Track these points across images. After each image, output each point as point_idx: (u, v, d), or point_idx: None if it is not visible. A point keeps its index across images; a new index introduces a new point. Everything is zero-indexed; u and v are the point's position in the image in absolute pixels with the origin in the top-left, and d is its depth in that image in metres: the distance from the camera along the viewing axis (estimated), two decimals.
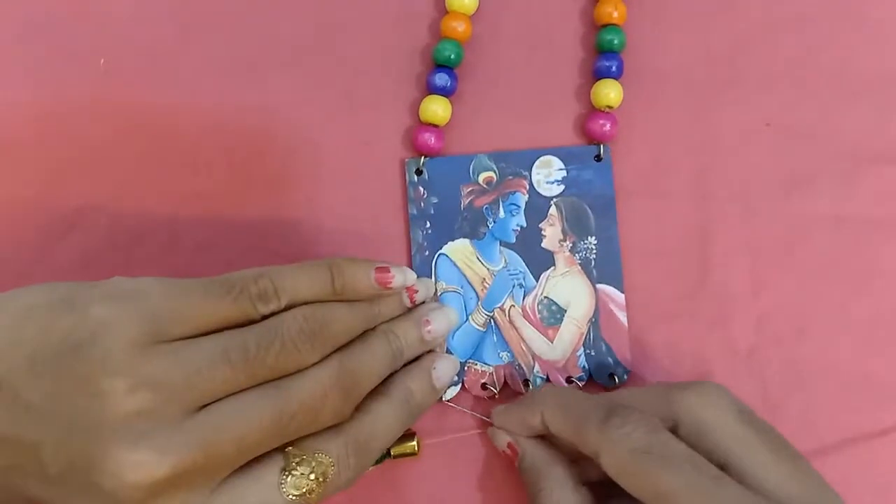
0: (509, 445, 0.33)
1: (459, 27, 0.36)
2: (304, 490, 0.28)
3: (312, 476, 0.28)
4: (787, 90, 0.37)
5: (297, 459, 0.28)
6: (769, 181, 0.36)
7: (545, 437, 0.32)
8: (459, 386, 0.34)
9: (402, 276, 0.32)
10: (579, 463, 0.32)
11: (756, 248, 0.36)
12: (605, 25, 0.36)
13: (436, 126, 0.36)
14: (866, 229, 0.36)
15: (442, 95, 0.36)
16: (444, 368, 0.33)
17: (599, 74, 0.36)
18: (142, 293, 0.27)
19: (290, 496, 0.27)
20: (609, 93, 0.36)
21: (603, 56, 0.36)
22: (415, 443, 0.33)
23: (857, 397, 0.35)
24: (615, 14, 0.36)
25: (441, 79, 0.36)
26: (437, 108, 0.36)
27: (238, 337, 0.27)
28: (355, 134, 0.37)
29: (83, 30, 0.38)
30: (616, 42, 0.36)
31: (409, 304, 0.33)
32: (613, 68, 0.36)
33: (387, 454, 0.33)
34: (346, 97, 0.37)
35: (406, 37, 0.38)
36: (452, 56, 0.36)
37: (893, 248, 0.36)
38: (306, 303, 0.29)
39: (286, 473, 0.28)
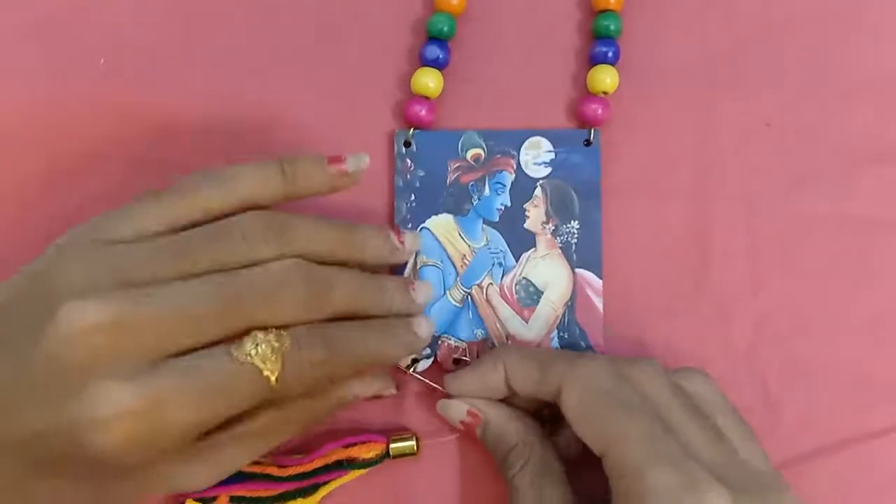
0: (469, 413, 0.32)
1: (453, 0, 0.36)
2: (253, 355, 0.27)
3: (265, 346, 0.27)
4: (787, 90, 0.37)
5: (253, 334, 0.27)
6: (769, 181, 0.36)
7: (503, 401, 0.32)
8: (432, 359, 0.35)
9: (355, 160, 0.32)
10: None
11: (756, 248, 0.36)
12: (602, 11, 0.36)
13: (427, 98, 0.36)
14: (866, 229, 0.36)
15: (434, 68, 0.36)
16: (424, 321, 0.32)
17: (595, 60, 0.36)
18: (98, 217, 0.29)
19: (241, 361, 0.27)
20: (605, 78, 0.36)
21: (599, 42, 0.36)
22: (414, 443, 0.33)
23: (857, 397, 0.35)
24: (612, 0, 0.36)
25: (433, 51, 0.36)
26: (428, 81, 0.36)
27: (189, 233, 0.28)
28: (348, 107, 0.37)
29: (83, 30, 0.38)
30: (612, 28, 0.36)
31: (397, 246, 0.32)
32: (610, 54, 0.36)
33: (386, 454, 0.33)
34: (341, 75, 0.37)
35: (399, 10, 0.37)
36: (445, 28, 0.36)
37: (893, 248, 0.36)
38: (257, 206, 0.30)
39: (238, 344, 0.27)
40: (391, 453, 0.33)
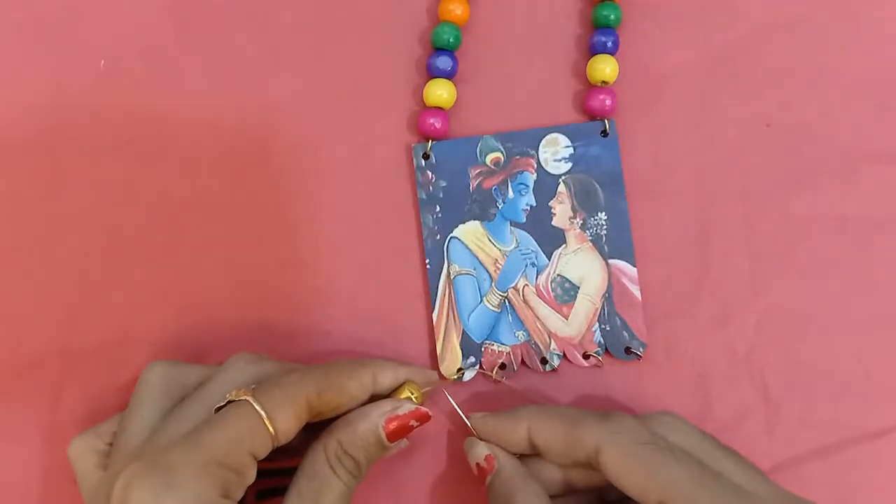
0: (486, 458, 0.32)
1: (457, 10, 0.36)
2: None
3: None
4: (787, 90, 0.37)
5: None
6: (769, 181, 0.36)
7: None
8: (477, 367, 0.35)
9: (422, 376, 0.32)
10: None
11: (756, 248, 0.36)
12: (601, 1, 0.36)
13: (440, 109, 0.36)
14: (866, 229, 0.36)
15: (445, 78, 0.36)
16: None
17: (595, 50, 0.36)
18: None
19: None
20: (605, 68, 0.36)
21: (599, 31, 0.36)
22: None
23: (857, 397, 0.35)
24: None
25: (444, 62, 0.36)
26: (441, 92, 0.36)
27: None
28: (356, 121, 0.37)
29: (83, 30, 0.38)
30: (612, 17, 0.36)
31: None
32: (609, 44, 0.36)
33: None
34: (346, 86, 0.37)
35: (403, 21, 0.37)
36: (451, 39, 0.36)
37: (893, 248, 0.36)
38: None
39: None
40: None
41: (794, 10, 0.37)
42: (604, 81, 0.36)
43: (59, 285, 0.36)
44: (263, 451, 0.28)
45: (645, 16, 0.37)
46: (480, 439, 0.32)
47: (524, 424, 0.31)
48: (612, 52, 0.36)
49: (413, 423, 0.31)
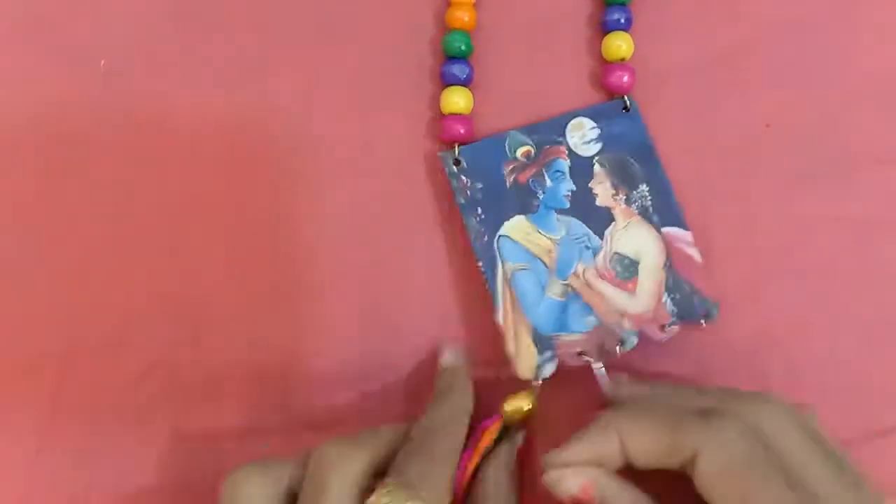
0: (584, 489, 0.27)
1: (465, 17, 0.36)
2: None
3: None
4: (787, 90, 0.37)
5: None
6: (769, 181, 0.36)
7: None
8: (555, 361, 0.34)
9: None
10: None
11: (756, 249, 0.36)
12: None
13: (461, 115, 0.36)
14: (866, 229, 0.36)
15: (461, 86, 0.36)
16: None
17: (608, 28, 0.36)
18: None
19: None
20: (620, 45, 0.36)
21: (610, 9, 0.36)
22: (528, 401, 0.32)
23: (857, 397, 0.35)
24: None
25: (461, 69, 0.36)
26: (458, 100, 0.36)
27: None
28: (357, 122, 0.37)
29: (83, 30, 0.38)
30: None
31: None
32: (622, 20, 0.36)
33: (505, 426, 0.32)
34: (346, 86, 0.37)
35: (404, 19, 0.38)
36: (463, 47, 0.36)
37: (893, 248, 0.36)
38: None
39: None
40: (510, 418, 0.32)
41: (795, 10, 0.37)
42: (621, 59, 0.36)
43: (59, 285, 0.36)
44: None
45: (645, 15, 0.37)
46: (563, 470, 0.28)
47: (615, 436, 0.28)
48: (625, 29, 0.36)
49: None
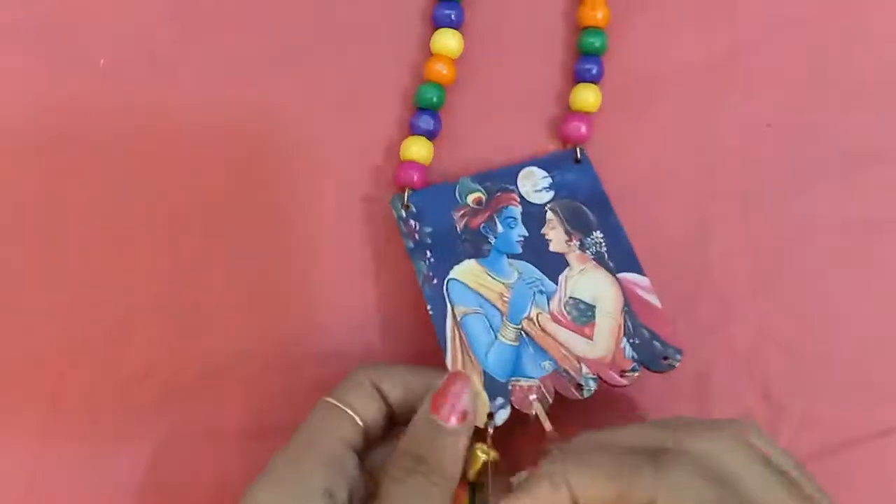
0: None
1: (443, 70, 0.36)
2: None
3: None
4: (787, 90, 0.37)
5: None
6: (769, 181, 0.36)
7: None
8: (508, 408, 0.32)
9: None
10: None
11: (756, 249, 0.36)
12: (586, 28, 0.36)
13: (417, 163, 0.36)
14: (866, 229, 0.36)
15: (425, 136, 0.36)
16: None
17: (579, 77, 0.36)
18: None
19: None
20: (588, 97, 0.36)
21: (583, 59, 0.36)
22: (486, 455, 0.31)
23: (857, 397, 0.35)
24: (599, 16, 0.36)
25: (426, 121, 0.36)
26: (418, 149, 0.36)
27: None
28: (357, 122, 0.37)
29: (83, 30, 0.38)
30: (598, 45, 0.36)
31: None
32: (594, 71, 0.36)
33: (473, 490, 0.31)
34: (346, 86, 0.37)
35: (402, 22, 0.38)
36: (434, 99, 0.36)
37: (893, 248, 0.36)
38: None
39: None
40: (476, 476, 0.31)
41: (795, 10, 0.37)
42: (587, 111, 0.36)
43: (59, 285, 0.36)
44: (354, 436, 0.29)
45: (645, 15, 0.37)
46: None
47: (564, 489, 0.27)
48: (595, 80, 0.36)
49: (453, 388, 0.30)
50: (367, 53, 0.37)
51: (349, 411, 0.30)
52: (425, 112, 0.36)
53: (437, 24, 0.37)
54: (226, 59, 0.37)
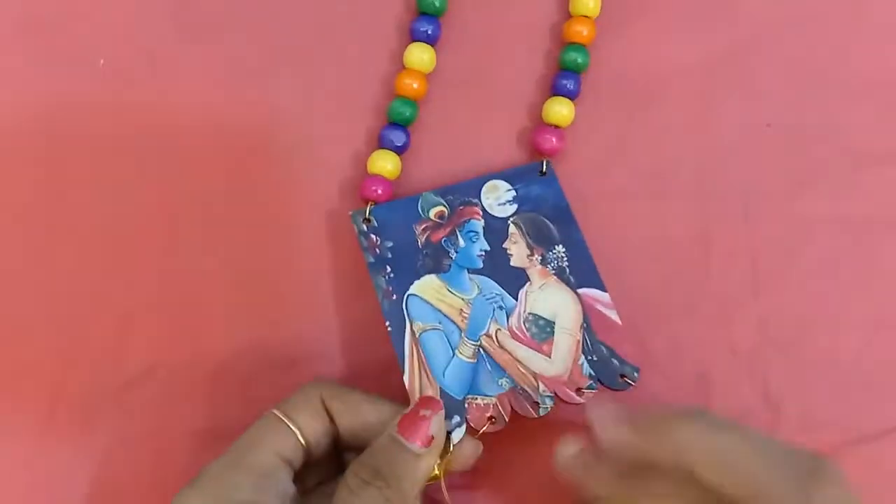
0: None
1: (414, 84, 0.36)
2: None
3: None
4: (788, 90, 0.37)
5: None
6: (769, 182, 0.36)
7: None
8: (464, 426, 0.32)
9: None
10: None
11: (756, 249, 0.36)
12: (571, 44, 0.36)
13: (383, 177, 0.36)
14: (867, 229, 0.36)
15: (394, 151, 0.36)
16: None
17: (555, 91, 0.36)
18: None
19: None
20: (561, 110, 0.36)
21: (562, 73, 0.36)
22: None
23: (857, 397, 0.35)
24: (584, 33, 0.36)
25: (396, 136, 0.36)
26: (385, 163, 0.35)
27: None
28: (357, 122, 0.37)
29: (83, 30, 0.38)
30: (580, 61, 0.36)
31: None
32: (570, 86, 0.36)
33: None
34: (345, 86, 0.37)
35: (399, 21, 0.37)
36: (407, 114, 0.36)
37: (893, 248, 0.36)
38: None
39: None
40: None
41: (795, 10, 0.37)
42: (557, 125, 0.36)
43: (59, 286, 0.36)
44: (293, 452, 0.29)
45: (645, 15, 0.37)
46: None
47: (675, 447, 0.28)
48: (571, 97, 0.36)
49: (424, 412, 0.30)
50: (368, 53, 0.37)
51: (292, 426, 0.30)
52: (396, 127, 0.36)
53: (413, 38, 0.36)
54: (226, 60, 0.37)
